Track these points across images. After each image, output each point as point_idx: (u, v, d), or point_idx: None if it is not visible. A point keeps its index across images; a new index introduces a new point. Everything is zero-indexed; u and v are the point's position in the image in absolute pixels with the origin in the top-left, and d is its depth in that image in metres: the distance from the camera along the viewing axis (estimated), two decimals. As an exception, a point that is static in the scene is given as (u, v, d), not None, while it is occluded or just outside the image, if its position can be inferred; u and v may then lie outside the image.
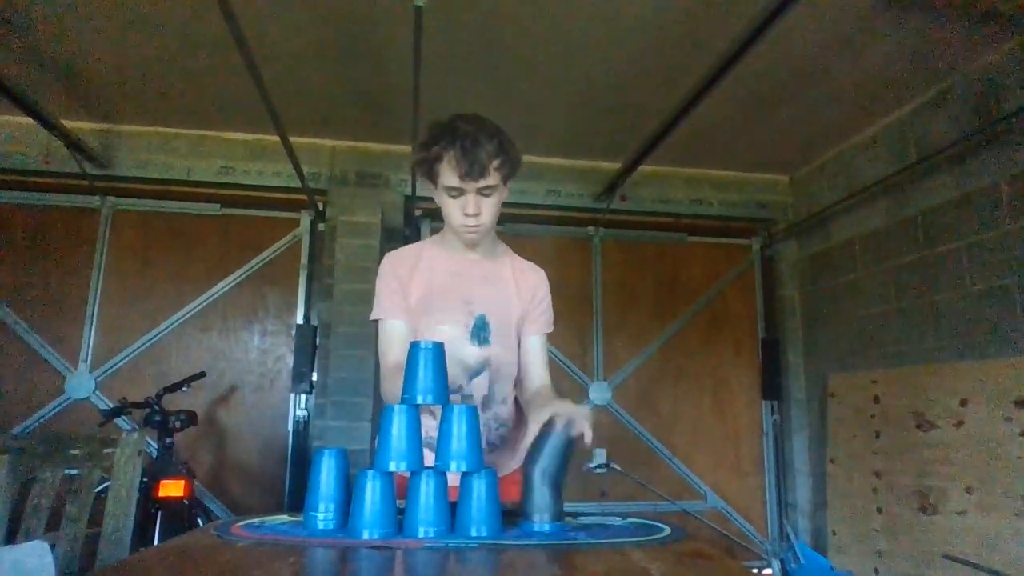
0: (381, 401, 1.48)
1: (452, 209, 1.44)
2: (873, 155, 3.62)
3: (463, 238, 1.49)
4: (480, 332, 1.51)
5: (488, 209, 1.43)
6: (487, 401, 1.53)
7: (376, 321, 1.54)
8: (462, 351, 1.49)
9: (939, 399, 3.04)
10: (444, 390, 1.14)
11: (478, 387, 1.52)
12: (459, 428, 1.07)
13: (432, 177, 1.44)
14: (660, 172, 4.17)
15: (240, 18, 2.17)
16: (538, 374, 1.58)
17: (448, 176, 1.39)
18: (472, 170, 1.36)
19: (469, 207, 1.41)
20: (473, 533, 1.02)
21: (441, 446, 1.08)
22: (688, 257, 4.42)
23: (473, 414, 1.10)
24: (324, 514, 1.06)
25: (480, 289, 1.53)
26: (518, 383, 1.61)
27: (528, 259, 1.66)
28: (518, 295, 1.58)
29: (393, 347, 1.49)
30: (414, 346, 1.15)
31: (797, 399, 4.20)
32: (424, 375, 1.13)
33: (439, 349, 1.16)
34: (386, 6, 2.57)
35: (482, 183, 1.39)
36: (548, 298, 1.63)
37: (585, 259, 4.31)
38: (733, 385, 4.33)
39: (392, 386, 1.42)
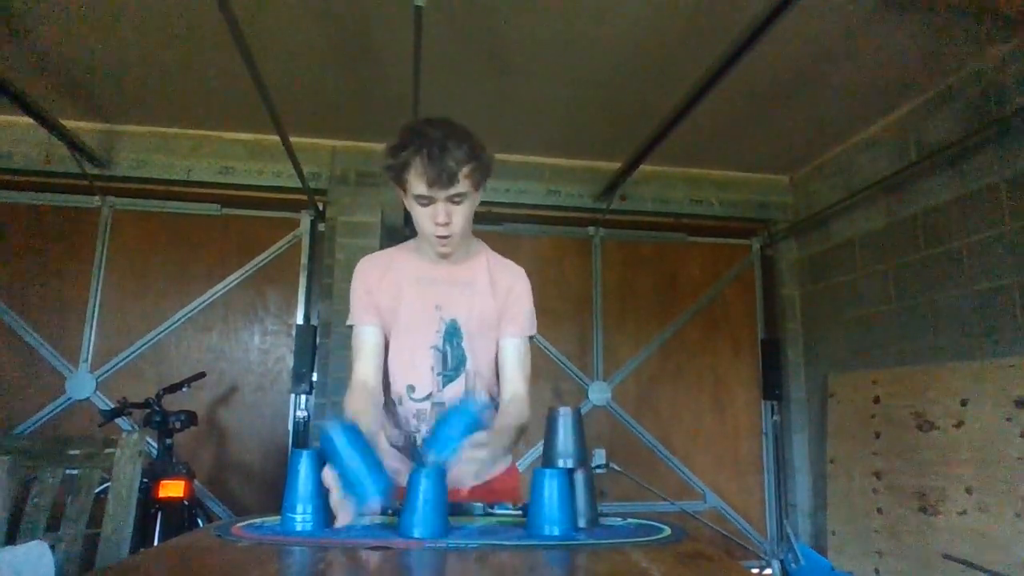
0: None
1: (422, 217, 1.38)
2: (873, 155, 3.62)
3: (435, 249, 1.43)
4: (452, 338, 1.46)
5: (459, 217, 1.37)
6: None
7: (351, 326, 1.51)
8: (432, 359, 1.46)
9: (939, 399, 3.04)
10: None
11: (452, 393, 1.46)
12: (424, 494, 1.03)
13: (401, 184, 1.37)
14: (660, 172, 4.17)
15: (240, 18, 2.18)
16: (511, 382, 1.47)
17: (416, 184, 1.33)
18: (440, 178, 1.30)
19: (439, 216, 1.35)
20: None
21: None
22: (688, 257, 4.42)
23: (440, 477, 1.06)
24: (301, 515, 1.06)
25: (450, 294, 1.48)
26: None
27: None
28: (493, 295, 1.50)
29: (360, 357, 1.46)
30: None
31: (797, 399, 4.20)
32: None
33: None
34: (386, 6, 2.57)
35: (452, 191, 1.33)
36: (526, 297, 1.53)
37: (585, 259, 4.30)
38: (733, 385, 4.33)
39: (355, 406, 1.35)
